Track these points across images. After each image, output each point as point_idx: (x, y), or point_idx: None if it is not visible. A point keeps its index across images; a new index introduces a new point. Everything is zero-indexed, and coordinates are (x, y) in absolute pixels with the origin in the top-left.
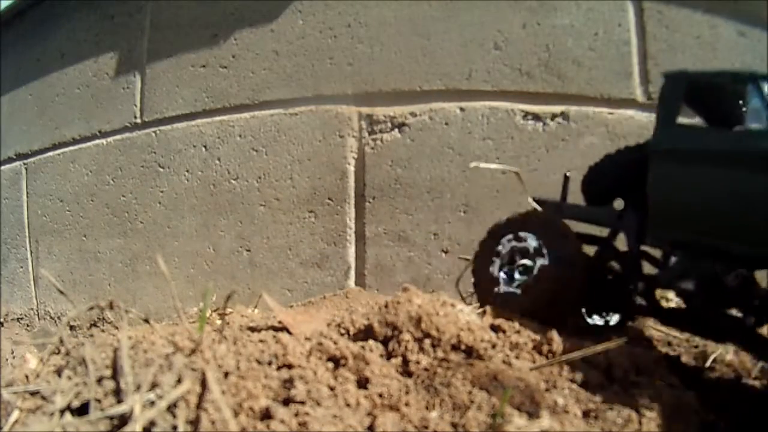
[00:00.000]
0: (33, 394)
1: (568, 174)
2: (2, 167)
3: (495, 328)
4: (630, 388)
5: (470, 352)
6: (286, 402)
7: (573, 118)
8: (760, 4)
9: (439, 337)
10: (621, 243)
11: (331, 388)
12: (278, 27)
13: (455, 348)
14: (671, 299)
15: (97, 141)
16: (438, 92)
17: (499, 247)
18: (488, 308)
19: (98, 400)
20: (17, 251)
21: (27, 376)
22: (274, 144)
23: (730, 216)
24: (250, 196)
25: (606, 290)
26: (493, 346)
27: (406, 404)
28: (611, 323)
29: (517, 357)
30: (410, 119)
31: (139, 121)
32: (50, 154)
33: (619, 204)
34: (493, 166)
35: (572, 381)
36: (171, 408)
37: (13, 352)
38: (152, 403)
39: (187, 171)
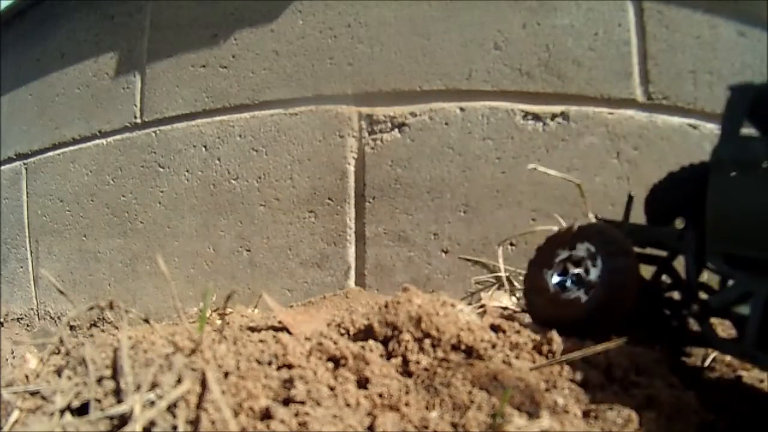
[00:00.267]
0: (33, 394)
1: (632, 194)
2: (2, 167)
3: (495, 328)
4: (630, 388)
5: (470, 352)
6: (286, 402)
7: (573, 118)
8: (760, 4)
9: (439, 337)
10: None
11: (331, 388)
12: (278, 27)
13: (455, 348)
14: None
15: (97, 141)
16: (438, 92)
17: (556, 257)
18: (488, 309)
19: (98, 400)
20: (17, 251)
21: (27, 376)
22: (274, 144)
23: None
24: (250, 196)
25: (658, 316)
26: (493, 346)
27: (406, 404)
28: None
29: (517, 357)
30: (410, 119)
31: (139, 121)
32: (50, 154)
33: (680, 223)
34: (552, 172)
35: (572, 381)
36: (171, 408)
37: (13, 352)
38: (152, 403)
39: (187, 171)
